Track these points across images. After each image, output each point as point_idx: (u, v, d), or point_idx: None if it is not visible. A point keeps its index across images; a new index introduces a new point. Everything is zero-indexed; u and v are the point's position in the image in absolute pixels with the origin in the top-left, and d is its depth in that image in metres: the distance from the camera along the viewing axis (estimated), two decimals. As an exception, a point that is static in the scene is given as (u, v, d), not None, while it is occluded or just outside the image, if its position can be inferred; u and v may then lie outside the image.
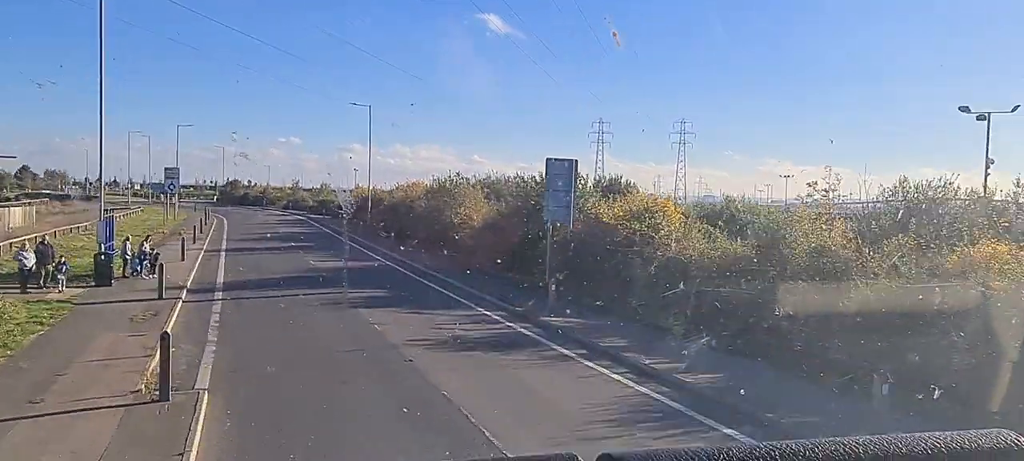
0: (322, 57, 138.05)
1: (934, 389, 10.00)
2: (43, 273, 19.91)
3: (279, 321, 17.10)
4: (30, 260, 19.83)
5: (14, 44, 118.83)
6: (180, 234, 35.89)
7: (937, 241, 14.38)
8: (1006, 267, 11.89)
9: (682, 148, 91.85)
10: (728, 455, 1.02)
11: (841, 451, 1.03)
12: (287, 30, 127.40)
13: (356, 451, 8.94)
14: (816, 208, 17.54)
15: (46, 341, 13.71)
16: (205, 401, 10.06)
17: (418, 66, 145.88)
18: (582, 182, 26.79)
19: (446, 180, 38.04)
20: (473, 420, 9.80)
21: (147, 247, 23.58)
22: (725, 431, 9.82)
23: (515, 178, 36.27)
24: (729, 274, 16.76)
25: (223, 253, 32.60)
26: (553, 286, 19.40)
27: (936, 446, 1.05)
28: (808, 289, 14.34)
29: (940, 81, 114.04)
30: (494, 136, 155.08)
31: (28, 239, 25.87)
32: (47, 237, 23.82)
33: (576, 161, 23.91)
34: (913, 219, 15.96)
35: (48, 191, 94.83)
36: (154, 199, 76.64)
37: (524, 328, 16.92)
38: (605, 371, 13.05)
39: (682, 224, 21.08)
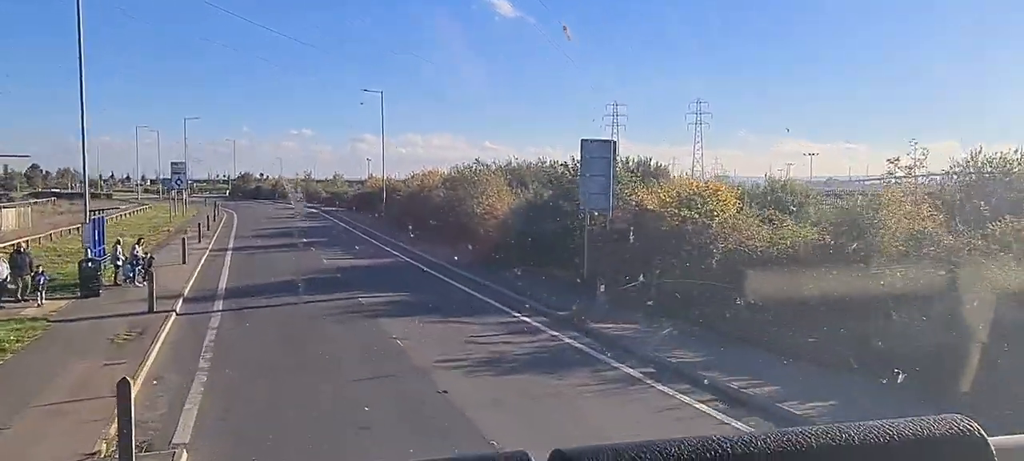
0: (333, 48, 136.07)
1: None
2: (20, 284, 17.57)
3: (285, 338, 14.61)
4: (3, 271, 17.42)
5: (13, 45, 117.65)
6: (185, 232, 33.72)
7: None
8: None
9: (699, 129, 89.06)
10: (680, 447, 0.97)
11: (793, 441, 1.00)
12: (298, 22, 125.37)
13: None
14: (900, 188, 15.49)
15: (1, 376, 11.34)
16: (181, 468, 7.62)
17: (428, 53, 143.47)
18: (621, 165, 24.16)
19: (466, 168, 35.59)
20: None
21: (139, 251, 21.18)
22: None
23: (540, 163, 33.79)
24: (804, 264, 14.44)
25: (229, 252, 30.36)
26: (601, 286, 16.75)
27: (889, 433, 1.02)
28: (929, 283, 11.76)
29: (964, 50, 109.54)
30: (505, 122, 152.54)
31: (1, 247, 23.46)
32: (23, 244, 21.40)
33: (615, 142, 21.34)
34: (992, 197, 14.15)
35: (57, 190, 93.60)
36: (165, 195, 74.78)
37: (571, 338, 14.36)
38: (686, 399, 10.48)
39: (739, 209, 18.48)
